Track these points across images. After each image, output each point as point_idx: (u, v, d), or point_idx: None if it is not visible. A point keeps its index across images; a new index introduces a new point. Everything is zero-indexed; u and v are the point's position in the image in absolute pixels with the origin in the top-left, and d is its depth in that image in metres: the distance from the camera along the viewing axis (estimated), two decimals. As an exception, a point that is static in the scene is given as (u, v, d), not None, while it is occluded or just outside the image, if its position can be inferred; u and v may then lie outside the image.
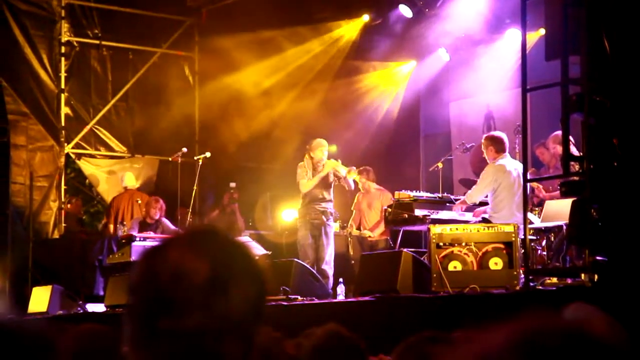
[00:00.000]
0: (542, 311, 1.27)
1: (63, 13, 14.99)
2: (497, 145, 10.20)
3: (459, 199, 10.84)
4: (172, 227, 13.25)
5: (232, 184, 14.53)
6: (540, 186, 10.98)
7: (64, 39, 14.98)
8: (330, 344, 3.23)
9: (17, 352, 1.85)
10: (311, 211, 11.51)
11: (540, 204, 10.46)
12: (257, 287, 1.69)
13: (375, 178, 12.91)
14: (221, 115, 15.25)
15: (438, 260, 8.99)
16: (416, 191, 10.95)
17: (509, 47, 13.06)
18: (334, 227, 11.77)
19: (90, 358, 3.15)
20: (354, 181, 11.94)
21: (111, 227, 13.91)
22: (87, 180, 15.44)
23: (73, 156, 15.14)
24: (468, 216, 10.47)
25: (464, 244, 9.08)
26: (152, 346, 1.64)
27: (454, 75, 14.27)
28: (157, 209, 13.26)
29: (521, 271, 8.75)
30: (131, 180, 14.53)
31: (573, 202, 7.71)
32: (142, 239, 12.30)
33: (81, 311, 11.71)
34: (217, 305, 1.63)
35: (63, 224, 14.67)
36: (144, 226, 13.13)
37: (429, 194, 10.87)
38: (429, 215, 10.36)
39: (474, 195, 10.28)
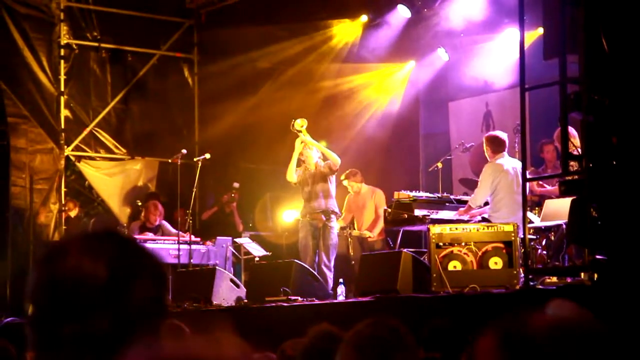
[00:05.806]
0: (523, 311, 1.27)
1: (62, 16, 14.96)
2: (494, 145, 10.20)
3: (459, 199, 10.82)
4: (172, 229, 13.29)
5: (236, 184, 14.51)
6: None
7: (63, 41, 14.96)
8: (321, 344, 3.23)
9: None
10: (310, 211, 11.48)
11: (539, 203, 10.43)
12: (158, 283, 1.73)
13: (363, 179, 12.78)
14: (221, 116, 15.24)
15: (438, 260, 8.99)
16: (416, 191, 10.93)
17: (508, 46, 13.04)
18: (336, 227, 11.65)
19: None
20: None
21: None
22: (87, 183, 15.43)
23: (73, 159, 15.13)
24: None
25: (463, 243, 9.08)
26: (59, 352, 1.65)
27: (453, 74, 14.26)
28: (157, 215, 13.48)
29: (521, 270, 8.75)
30: None
31: (572, 201, 7.72)
32: (142, 242, 12.33)
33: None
34: (120, 305, 1.65)
35: (63, 227, 14.65)
36: (143, 230, 13.18)
37: (428, 194, 10.86)
38: (429, 215, 10.34)
39: (477, 198, 10.24)
